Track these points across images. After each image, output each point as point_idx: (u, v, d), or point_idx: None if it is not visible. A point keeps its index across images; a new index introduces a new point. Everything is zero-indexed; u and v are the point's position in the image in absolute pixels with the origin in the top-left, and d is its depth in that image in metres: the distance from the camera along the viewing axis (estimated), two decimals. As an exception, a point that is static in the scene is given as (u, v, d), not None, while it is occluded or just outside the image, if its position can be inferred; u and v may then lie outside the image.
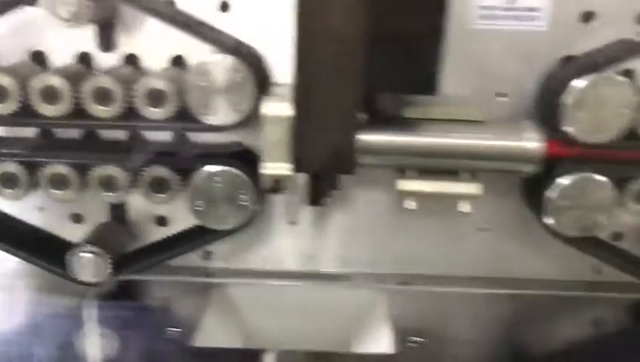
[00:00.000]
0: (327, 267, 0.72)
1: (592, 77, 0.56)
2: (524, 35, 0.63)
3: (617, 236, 0.70)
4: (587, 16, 0.62)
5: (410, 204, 0.61)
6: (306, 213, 0.69)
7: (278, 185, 0.57)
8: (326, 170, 0.58)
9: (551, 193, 0.60)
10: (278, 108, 0.56)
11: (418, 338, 0.61)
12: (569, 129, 0.58)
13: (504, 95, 0.65)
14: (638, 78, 0.61)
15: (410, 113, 0.61)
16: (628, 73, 0.61)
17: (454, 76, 0.64)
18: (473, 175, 0.61)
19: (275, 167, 0.57)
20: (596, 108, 0.57)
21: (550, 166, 0.60)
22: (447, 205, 0.67)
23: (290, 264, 0.72)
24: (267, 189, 0.58)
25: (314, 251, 0.71)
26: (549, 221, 0.61)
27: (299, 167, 0.56)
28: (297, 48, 0.52)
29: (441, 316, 0.69)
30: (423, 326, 0.66)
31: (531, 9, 0.62)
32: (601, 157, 0.59)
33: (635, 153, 0.59)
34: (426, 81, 0.54)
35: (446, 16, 0.53)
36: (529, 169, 0.60)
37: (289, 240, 0.71)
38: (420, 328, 0.65)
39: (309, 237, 0.71)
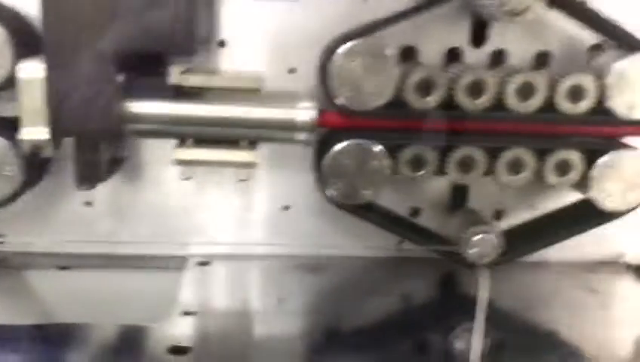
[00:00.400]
0: (126, 249, 0.70)
1: (352, 45, 0.58)
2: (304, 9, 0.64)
3: (415, 211, 0.72)
4: (367, -6, 0.65)
5: (187, 173, 0.60)
6: (101, 193, 0.68)
7: (38, 150, 0.55)
8: (88, 135, 0.56)
9: (324, 162, 0.60)
10: (33, 69, 0.54)
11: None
12: (338, 99, 0.59)
13: (294, 71, 0.66)
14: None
15: (185, 82, 0.60)
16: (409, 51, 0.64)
17: (242, 52, 0.65)
18: (252, 144, 0.61)
19: (33, 131, 0.55)
20: (361, 78, 0.58)
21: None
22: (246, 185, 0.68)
23: (87, 246, 0.70)
24: (28, 156, 0.56)
25: (111, 232, 0.70)
26: (327, 191, 0.61)
27: (56, 130, 0.55)
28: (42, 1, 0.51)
29: (246, 293, 0.68)
30: (227, 304, 0.65)
31: (311, -16, 0.64)
32: (374, 125, 0.61)
33: (404, 122, 0.61)
34: (183, 42, 0.53)
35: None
36: (302, 138, 0.60)
37: (85, 220, 0.69)
38: (225, 305, 0.64)
39: (105, 217, 0.69)
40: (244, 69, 0.65)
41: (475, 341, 0.54)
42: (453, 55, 0.66)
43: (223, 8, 0.64)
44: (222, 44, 0.65)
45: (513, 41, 0.66)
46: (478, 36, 0.66)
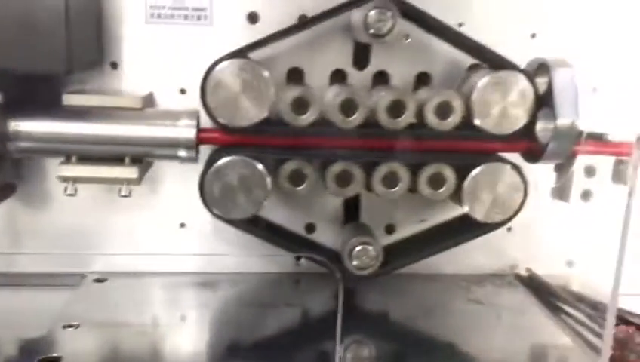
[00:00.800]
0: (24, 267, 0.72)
1: (227, 64, 0.60)
2: (193, 32, 0.67)
3: (311, 227, 0.74)
4: (252, 17, 0.68)
5: (71, 190, 0.62)
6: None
7: None
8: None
9: (206, 178, 0.62)
10: None
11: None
12: (217, 117, 0.62)
13: (184, 91, 0.69)
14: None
15: (72, 101, 0.62)
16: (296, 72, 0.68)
17: (134, 74, 0.68)
18: (135, 161, 0.63)
19: None
20: (235, 94, 0.61)
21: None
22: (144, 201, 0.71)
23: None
24: None
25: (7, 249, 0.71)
26: (210, 207, 0.64)
27: None
28: None
29: (137, 307, 0.69)
30: (115, 318, 0.66)
31: (199, 9, 0.67)
32: (253, 142, 0.63)
33: (282, 139, 0.63)
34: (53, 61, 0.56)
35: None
36: (183, 154, 0.63)
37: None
38: (112, 319, 0.65)
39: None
40: (137, 90, 0.68)
41: (337, 348, 0.56)
42: (338, 76, 0.70)
43: (115, 31, 0.67)
44: (114, 65, 0.68)
45: (394, 63, 0.70)
46: (361, 58, 0.70)
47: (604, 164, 0.73)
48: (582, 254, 0.79)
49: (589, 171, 0.74)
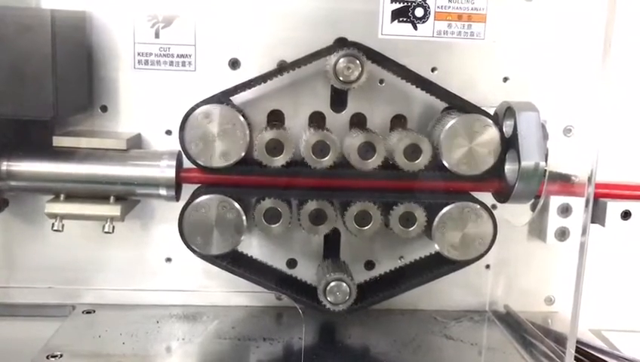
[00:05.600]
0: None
1: (205, 109, 0.64)
2: (178, 78, 0.71)
3: (292, 262, 0.77)
4: (234, 64, 0.72)
5: (58, 226, 0.66)
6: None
7: None
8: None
9: (184, 216, 0.66)
10: None
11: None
12: (194, 157, 0.65)
13: (170, 133, 0.73)
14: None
15: (61, 143, 0.66)
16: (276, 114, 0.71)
17: (123, 116, 0.72)
18: (118, 198, 0.67)
19: None
20: (212, 137, 0.64)
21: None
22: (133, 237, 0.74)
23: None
24: None
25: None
26: (188, 243, 0.67)
27: None
28: None
29: (124, 339, 0.72)
30: (101, 348, 0.69)
31: (183, 56, 0.71)
32: (229, 182, 0.66)
33: (261, 179, 0.67)
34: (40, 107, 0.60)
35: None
36: (164, 193, 0.66)
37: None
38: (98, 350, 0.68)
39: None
40: (125, 131, 0.72)
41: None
42: (317, 118, 0.73)
43: (105, 76, 0.71)
44: (104, 108, 0.72)
45: (370, 106, 0.73)
46: (338, 101, 0.73)
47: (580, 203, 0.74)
48: (562, 291, 0.80)
49: (565, 210, 0.76)
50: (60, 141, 0.66)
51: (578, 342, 0.61)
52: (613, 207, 0.72)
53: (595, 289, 0.78)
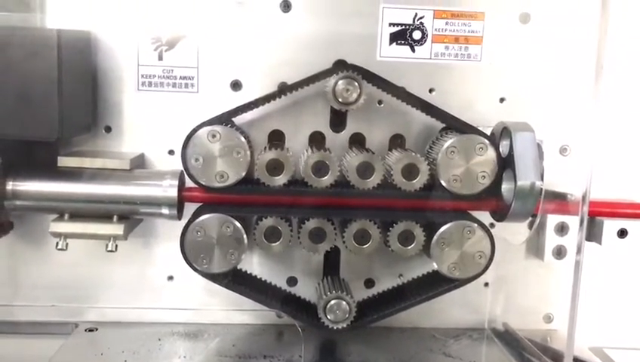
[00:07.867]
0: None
1: (206, 130, 0.65)
2: (181, 99, 0.73)
3: (292, 281, 0.78)
4: (235, 85, 0.73)
5: (62, 245, 0.67)
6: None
7: None
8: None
9: (186, 235, 0.67)
10: None
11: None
12: (193, 175, 0.66)
13: (172, 152, 0.74)
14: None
15: (65, 163, 0.68)
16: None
17: (127, 137, 0.74)
18: (121, 218, 0.68)
19: None
20: (213, 157, 0.66)
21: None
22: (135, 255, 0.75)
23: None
24: None
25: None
26: (190, 261, 0.68)
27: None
28: None
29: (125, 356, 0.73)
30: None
31: (186, 78, 0.73)
32: (230, 201, 0.68)
33: (262, 198, 0.68)
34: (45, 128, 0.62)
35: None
36: (166, 212, 0.67)
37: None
38: None
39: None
40: (129, 151, 0.73)
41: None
42: (317, 137, 0.74)
43: (109, 98, 0.73)
44: (108, 129, 0.73)
45: (369, 126, 0.74)
46: (338, 122, 0.74)
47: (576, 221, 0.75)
48: (560, 309, 0.80)
49: (562, 229, 0.77)
50: (64, 161, 0.68)
51: (575, 359, 0.62)
52: (610, 226, 0.72)
53: (595, 306, 0.79)
